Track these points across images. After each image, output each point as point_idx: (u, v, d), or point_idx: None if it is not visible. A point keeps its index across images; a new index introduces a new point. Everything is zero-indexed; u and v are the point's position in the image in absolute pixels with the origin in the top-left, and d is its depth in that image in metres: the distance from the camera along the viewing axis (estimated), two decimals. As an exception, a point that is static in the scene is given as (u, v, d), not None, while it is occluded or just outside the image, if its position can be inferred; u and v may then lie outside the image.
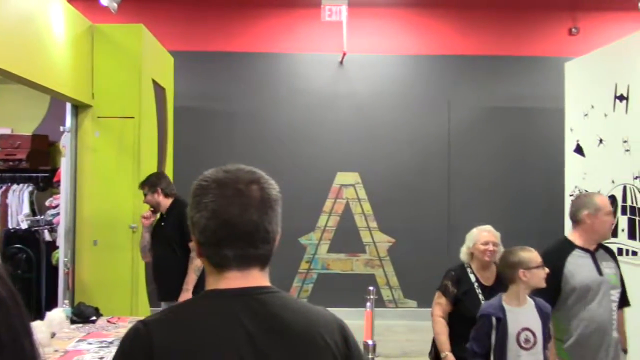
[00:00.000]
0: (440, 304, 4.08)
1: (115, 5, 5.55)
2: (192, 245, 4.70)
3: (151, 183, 4.81)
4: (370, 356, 2.93)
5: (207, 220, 1.33)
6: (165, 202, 4.78)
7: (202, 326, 1.29)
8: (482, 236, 4.02)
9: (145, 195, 4.81)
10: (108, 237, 5.42)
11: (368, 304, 4.86)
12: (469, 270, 4.08)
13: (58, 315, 3.93)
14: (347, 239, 8.27)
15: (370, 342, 2.98)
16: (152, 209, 4.84)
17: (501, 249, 3.96)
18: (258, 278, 1.37)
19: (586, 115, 6.51)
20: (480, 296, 3.95)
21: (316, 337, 1.34)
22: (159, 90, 6.17)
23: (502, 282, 3.79)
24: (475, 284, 4.01)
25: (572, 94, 6.95)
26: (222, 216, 1.32)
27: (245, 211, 1.33)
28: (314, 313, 1.41)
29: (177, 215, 4.65)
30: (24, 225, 6.49)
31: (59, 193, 5.96)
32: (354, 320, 5.41)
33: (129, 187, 5.37)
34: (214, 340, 1.28)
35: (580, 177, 6.64)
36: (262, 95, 8.23)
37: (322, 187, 8.25)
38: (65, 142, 5.56)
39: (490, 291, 3.92)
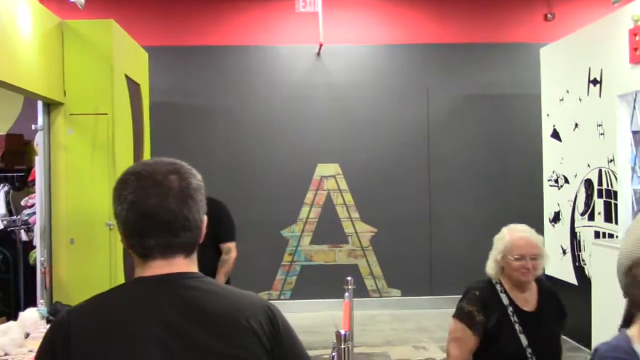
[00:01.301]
0: (463, 341, 2.89)
1: (82, 0, 5.48)
2: (226, 246, 4.69)
3: None
4: (342, 346, 2.92)
5: (127, 212, 1.37)
6: None
7: (120, 311, 1.34)
8: (516, 246, 2.92)
9: None
10: (85, 235, 5.36)
11: (346, 294, 4.88)
12: (498, 288, 2.97)
13: (31, 315, 3.90)
14: (329, 230, 8.28)
15: (342, 332, 2.97)
16: None
17: (545, 258, 2.96)
18: (183, 265, 1.41)
19: (562, 100, 6.55)
20: (517, 326, 2.87)
21: (238, 319, 1.36)
22: (133, 86, 6.11)
23: (550, 307, 2.97)
24: (510, 309, 2.91)
25: (547, 80, 6.99)
26: (141, 207, 1.36)
27: (163, 201, 1.36)
28: (239, 296, 1.44)
29: (212, 214, 4.54)
30: (0, 226, 6.43)
31: (34, 192, 5.91)
32: (338, 311, 5.43)
33: (105, 184, 5.32)
34: (132, 325, 1.31)
35: (557, 162, 6.69)
36: (240, 89, 8.20)
37: (303, 179, 8.25)
38: (38, 141, 5.50)
39: (531, 320, 2.91)
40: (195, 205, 1.41)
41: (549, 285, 3.14)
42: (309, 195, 8.29)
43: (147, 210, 1.35)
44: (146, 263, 1.39)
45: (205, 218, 1.46)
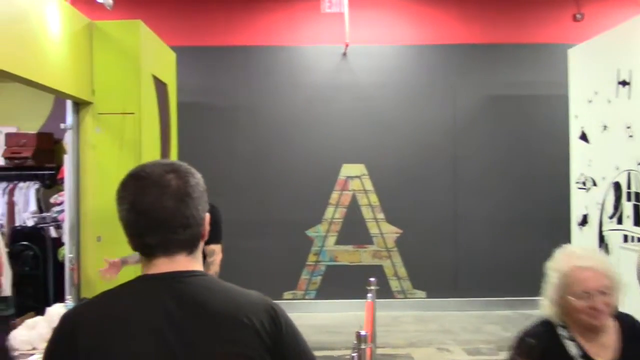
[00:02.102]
0: None
1: (111, 1, 5.57)
2: (209, 249, 4.55)
3: None
4: (362, 347, 2.92)
5: (127, 212, 1.41)
6: None
7: (124, 306, 1.38)
8: (579, 280, 2.17)
9: None
10: (111, 233, 5.43)
11: (369, 295, 4.87)
12: (563, 333, 2.23)
13: (58, 310, 3.97)
14: (354, 230, 8.27)
15: (362, 332, 2.97)
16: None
17: (620, 288, 2.20)
18: (185, 263, 1.44)
19: (590, 101, 6.45)
20: None
21: (239, 316, 1.38)
22: (160, 85, 6.18)
23: (637, 352, 2.20)
24: None
25: (575, 81, 6.89)
26: (139, 207, 1.40)
27: (160, 199, 1.39)
28: (241, 295, 1.45)
29: None
30: (31, 223, 6.56)
31: (63, 190, 6.01)
32: (362, 312, 5.44)
33: (131, 182, 5.38)
34: (134, 318, 1.35)
35: (585, 164, 6.59)
36: (265, 89, 8.24)
37: (328, 179, 8.26)
38: (68, 139, 5.60)
39: None
40: (193, 202, 1.43)
41: (634, 322, 2.30)
42: (334, 196, 8.29)
43: (144, 209, 1.39)
44: (150, 261, 1.43)
45: (207, 216, 1.48)
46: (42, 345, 3.65)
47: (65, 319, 1.42)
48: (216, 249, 4.56)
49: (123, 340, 1.33)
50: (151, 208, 1.39)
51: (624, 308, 2.32)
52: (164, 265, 1.42)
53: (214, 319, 1.36)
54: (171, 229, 1.40)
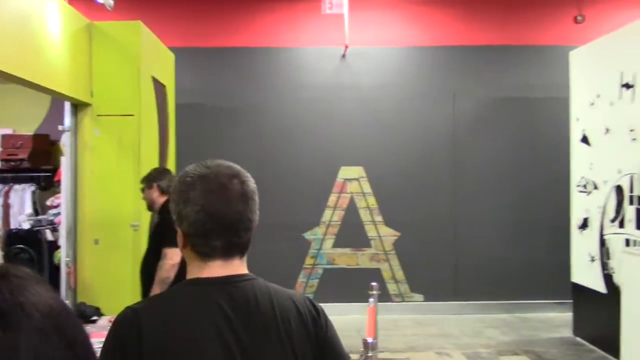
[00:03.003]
0: None
1: (112, 2, 5.50)
2: (163, 252, 4.25)
3: (148, 177, 4.55)
4: (370, 354, 2.88)
5: (196, 213, 1.42)
6: (160, 201, 4.41)
7: (186, 311, 1.40)
8: None
9: (142, 190, 4.58)
10: (109, 236, 5.39)
11: (371, 299, 4.80)
12: None
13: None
14: (352, 233, 8.21)
15: (369, 340, 2.92)
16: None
17: None
18: (238, 266, 1.48)
19: (592, 104, 6.43)
20: None
21: (288, 318, 1.45)
22: (159, 87, 6.12)
23: None
24: None
25: (577, 83, 6.87)
26: (210, 209, 1.42)
27: (231, 203, 1.44)
28: (288, 297, 1.51)
29: (163, 217, 4.29)
30: (26, 225, 6.49)
31: (60, 192, 5.95)
32: (360, 315, 5.40)
33: (130, 185, 5.33)
34: (196, 323, 1.38)
35: (586, 167, 6.56)
36: (265, 90, 8.17)
37: (326, 181, 8.20)
38: (65, 141, 5.54)
39: None
40: (254, 206, 1.49)
41: None
42: (332, 198, 8.24)
43: (217, 212, 1.42)
44: (205, 263, 1.45)
45: (257, 219, 1.52)
46: None
47: (127, 324, 1.38)
48: (169, 253, 4.20)
49: (190, 347, 1.35)
50: (223, 211, 1.42)
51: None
52: (220, 268, 1.44)
53: (265, 322, 1.41)
54: (237, 232, 1.45)
